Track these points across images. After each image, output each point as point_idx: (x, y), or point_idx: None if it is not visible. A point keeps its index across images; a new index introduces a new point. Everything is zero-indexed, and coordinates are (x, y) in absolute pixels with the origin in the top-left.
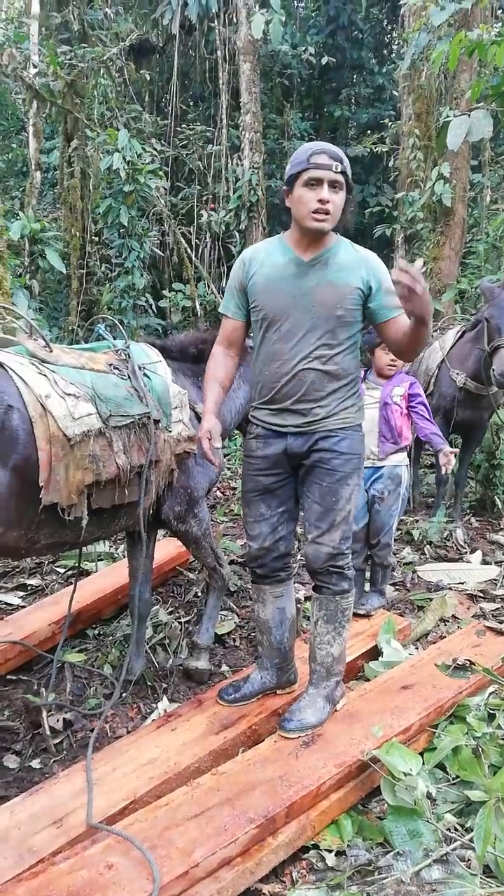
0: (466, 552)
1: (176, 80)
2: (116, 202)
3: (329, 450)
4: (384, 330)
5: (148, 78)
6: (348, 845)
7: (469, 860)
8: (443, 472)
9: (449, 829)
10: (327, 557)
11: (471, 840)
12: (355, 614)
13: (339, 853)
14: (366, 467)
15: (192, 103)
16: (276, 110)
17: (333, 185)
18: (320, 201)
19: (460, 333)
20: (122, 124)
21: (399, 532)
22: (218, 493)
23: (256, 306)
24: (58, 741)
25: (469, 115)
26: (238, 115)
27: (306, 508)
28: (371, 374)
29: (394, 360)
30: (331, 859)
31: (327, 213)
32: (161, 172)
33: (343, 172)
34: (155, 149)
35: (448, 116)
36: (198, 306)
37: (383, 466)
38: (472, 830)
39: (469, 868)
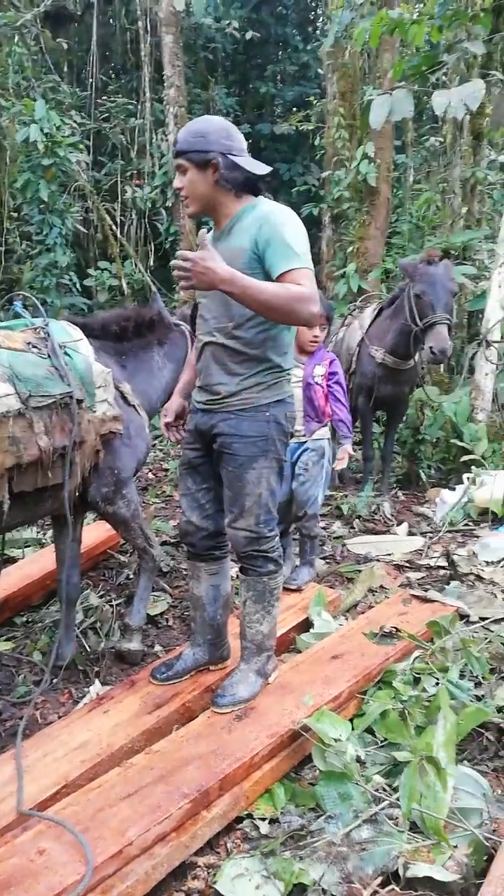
0: (393, 525)
1: (95, 50)
2: (35, 176)
3: (229, 434)
4: None
5: (66, 47)
6: (281, 812)
7: (396, 818)
8: (337, 467)
9: (377, 790)
10: (246, 542)
11: (398, 799)
12: (286, 589)
13: (273, 821)
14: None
15: (113, 75)
16: (200, 85)
17: (179, 169)
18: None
19: (377, 311)
20: (39, 95)
21: (329, 507)
22: (150, 475)
23: None
24: None
25: (391, 94)
26: (161, 88)
27: (223, 493)
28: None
29: (316, 337)
30: (264, 827)
31: (186, 197)
32: (82, 146)
33: (181, 153)
34: (75, 121)
35: (371, 95)
36: (125, 285)
37: (307, 440)
38: (399, 790)
39: (396, 826)
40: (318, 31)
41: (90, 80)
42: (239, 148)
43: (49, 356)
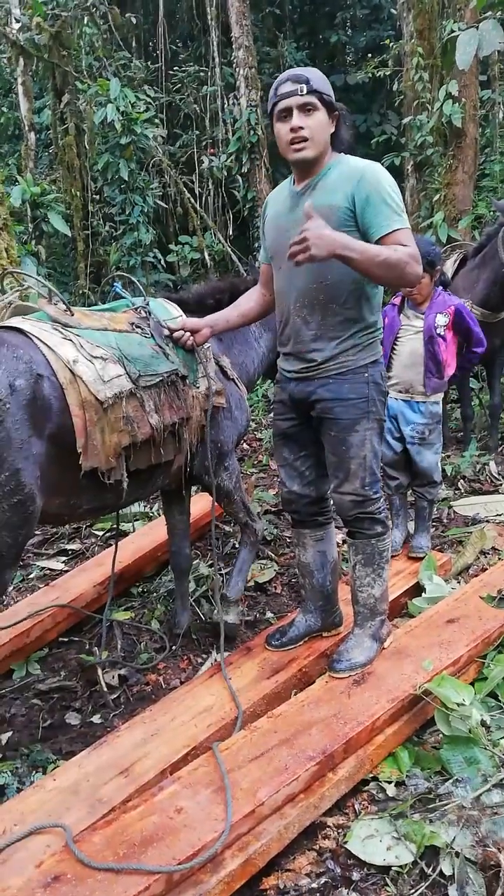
0: (501, 483)
1: (162, 20)
2: (114, 157)
3: (330, 399)
4: None
5: (133, 22)
6: (407, 776)
7: None
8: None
9: None
10: (352, 505)
11: None
12: (412, 558)
13: (399, 784)
14: (404, 400)
15: (181, 44)
16: (269, 42)
17: (304, 108)
18: (292, 130)
19: (458, 261)
20: (111, 73)
21: None
22: (245, 446)
23: (267, 246)
24: (115, 696)
25: (477, 29)
26: (230, 51)
27: (326, 458)
28: (408, 302)
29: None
30: (391, 790)
31: (304, 139)
32: (157, 120)
33: (313, 91)
34: (148, 96)
35: (453, 31)
36: (207, 257)
37: (424, 402)
38: None
39: None
40: None
41: (159, 51)
42: None
43: (152, 335)
